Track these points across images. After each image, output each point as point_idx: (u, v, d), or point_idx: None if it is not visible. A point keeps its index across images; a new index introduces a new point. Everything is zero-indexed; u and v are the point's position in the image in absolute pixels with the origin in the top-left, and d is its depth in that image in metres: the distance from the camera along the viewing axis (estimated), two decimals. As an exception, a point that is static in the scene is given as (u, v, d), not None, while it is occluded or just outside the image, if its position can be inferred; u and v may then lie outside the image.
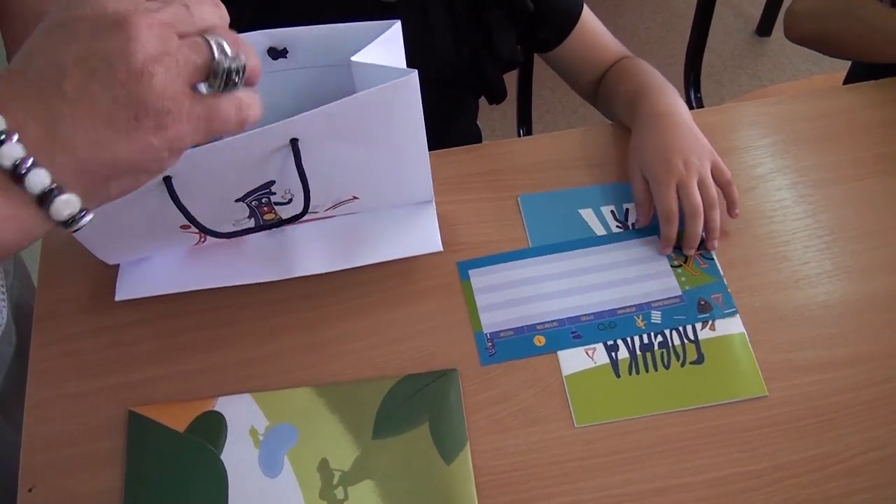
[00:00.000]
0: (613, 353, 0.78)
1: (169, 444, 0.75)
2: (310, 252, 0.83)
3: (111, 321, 0.83)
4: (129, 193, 0.43)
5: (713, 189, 0.83)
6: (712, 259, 0.85)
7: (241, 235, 0.78)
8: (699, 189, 0.83)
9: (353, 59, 0.71)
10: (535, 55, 1.31)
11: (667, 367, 0.77)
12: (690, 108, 1.45)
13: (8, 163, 0.37)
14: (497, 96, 1.06)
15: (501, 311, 0.82)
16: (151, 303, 0.83)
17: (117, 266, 0.84)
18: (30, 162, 0.38)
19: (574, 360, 0.78)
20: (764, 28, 2.24)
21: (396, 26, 0.75)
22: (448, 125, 1.13)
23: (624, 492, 0.71)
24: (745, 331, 0.79)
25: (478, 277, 0.84)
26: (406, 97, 0.72)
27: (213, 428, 0.75)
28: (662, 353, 0.78)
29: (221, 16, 0.44)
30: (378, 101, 0.70)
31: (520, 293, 0.83)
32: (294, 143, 0.71)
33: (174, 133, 0.41)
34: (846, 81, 1.28)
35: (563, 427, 0.74)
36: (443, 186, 0.90)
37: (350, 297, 0.83)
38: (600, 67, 1.04)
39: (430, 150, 0.90)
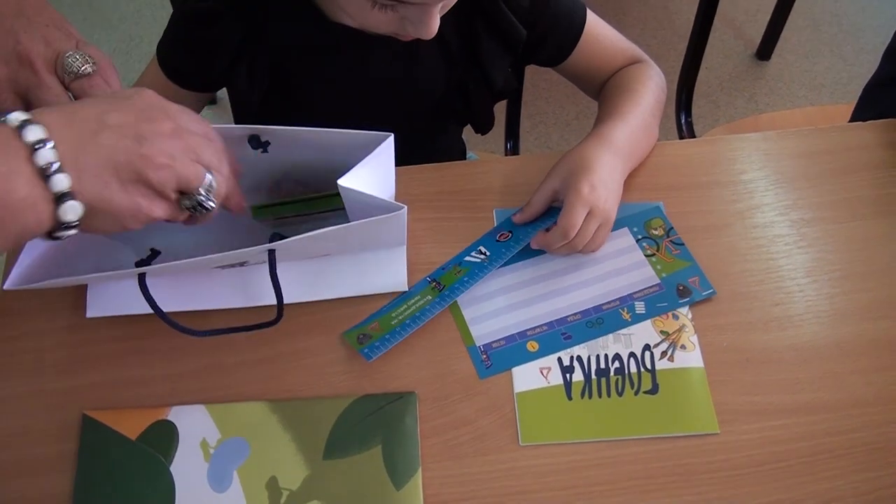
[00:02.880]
0: (568, 375, 0.78)
1: (120, 451, 0.74)
2: (290, 280, 0.81)
3: (73, 321, 0.82)
4: (106, 232, 0.60)
5: (600, 241, 0.84)
6: (683, 244, 0.85)
7: (216, 335, 0.78)
8: (595, 231, 0.82)
9: (340, 182, 0.69)
10: (526, 71, 1.30)
11: (620, 394, 0.77)
12: (680, 133, 1.46)
13: (41, 162, 0.51)
14: (484, 127, 1.04)
15: (490, 322, 0.81)
16: (113, 304, 0.82)
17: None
18: (56, 167, 0.51)
19: (527, 378, 0.78)
20: (764, 52, 2.23)
21: (389, 141, 0.73)
22: (432, 145, 1.11)
23: (574, 529, 0.70)
24: (703, 366, 0.78)
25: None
26: (394, 226, 0.74)
27: (164, 438, 0.74)
28: (618, 379, 0.78)
29: (225, 167, 0.64)
30: (365, 229, 0.72)
31: (504, 301, 0.83)
32: (271, 253, 0.72)
33: (153, 210, 0.58)
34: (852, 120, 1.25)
35: (517, 458, 0.73)
36: (416, 203, 0.89)
37: (318, 310, 0.82)
38: (607, 74, 1.01)
39: (411, 163, 0.89)
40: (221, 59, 0.90)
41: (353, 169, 0.70)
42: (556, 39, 0.98)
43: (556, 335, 0.80)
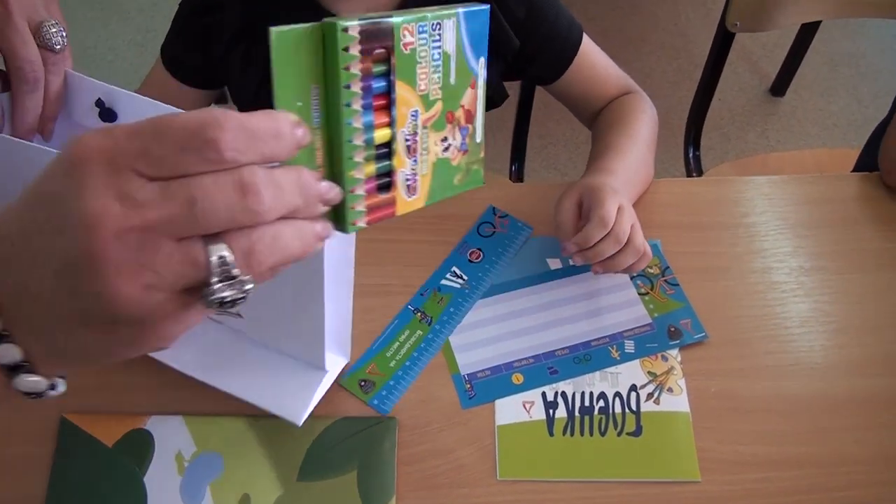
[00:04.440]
0: (551, 411, 0.77)
1: (96, 457, 0.73)
2: (188, 348, 0.74)
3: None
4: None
5: (642, 243, 0.79)
6: (678, 285, 0.85)
7: None
8: (631, 230, 0.78)
9: None
10: (536, 90, 1.29)
11: (602, 434, 0.76)
12: (687, 167, 1.45)
13: None
14: None
15: (476, 352, 0.80)
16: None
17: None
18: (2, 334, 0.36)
19: (510, 411, 0.77)
20: (778, 88, 2.22)
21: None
22: None
23: (545, 571, 0.69)
24: (689, 411, 0.77)
25: (449, 317, 0.83)
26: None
27: (140, 447, 0.73)
28: (601, 418, 0.77)
29: (243, 208, 0.33)
30: None
31: (492, 331, 0.82)
32: None
33: (157, 337, 0.36)
34: (856, 169, 1.24)
35: (493, 493, 0.72)
36: (406, 223, 0.88)
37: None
38: (601, 101, 1.01)
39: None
40: (217, 46, 0.93)
41: None
42: (549, 56, 0.99)
43: (543, 369, 0.79)
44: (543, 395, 0.78)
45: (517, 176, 1.42)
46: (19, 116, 0.64)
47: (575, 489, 0.73)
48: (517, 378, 0.78)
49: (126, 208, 0.31)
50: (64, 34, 0.65)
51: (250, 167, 0.33)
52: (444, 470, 0.73)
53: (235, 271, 0.33)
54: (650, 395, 0.78)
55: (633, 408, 0.77)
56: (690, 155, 1.43)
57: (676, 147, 2.05)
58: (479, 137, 0.51)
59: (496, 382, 0.78)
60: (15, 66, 0.63)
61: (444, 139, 0.48)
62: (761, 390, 0.79)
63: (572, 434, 0.76)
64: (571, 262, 0.80)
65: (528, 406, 0.77)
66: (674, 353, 0.81)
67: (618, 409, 0.77)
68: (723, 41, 1.33)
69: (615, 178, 0.85)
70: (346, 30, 0.39)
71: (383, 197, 0.44)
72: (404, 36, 0.43)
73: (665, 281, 0.85)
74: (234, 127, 0.33)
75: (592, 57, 1.00)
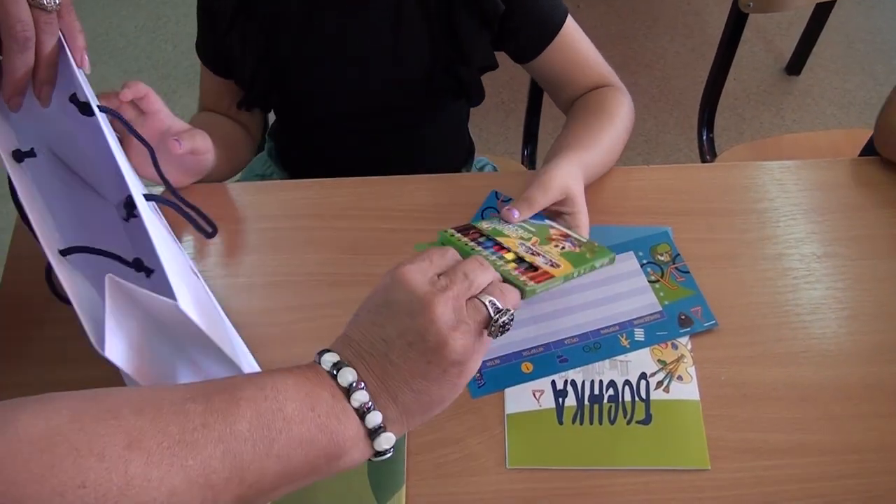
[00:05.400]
0: (561, 399, 0.77)
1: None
2: None
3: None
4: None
5: None
6: (688, 272, 0.84)
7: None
8: None
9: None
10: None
11: (612, 422, 0.76)
12: (700, 149, 1.44)
13: (357, 404, 0.52)
14: (473, 98, 1.03)
15: None
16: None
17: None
18: (370, 405, 0.52)
19: (520, 400, 0.77)
20: (794, 67, 2.19)
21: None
22: (431, 128, 1.10)
23: (555, 559, 0.69)
24: (699, 399, 0.77)
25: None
26: None
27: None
28: (611, 406, 0.77)
29: (491, 275, 0.59)
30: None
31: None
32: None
33: (469, 371, 0.55)
34: (864, 152, 1.23)
35: (503, 481, 0.72)
36: (409, 212, 0.88)
37: (315, 317, 0.82)
38: (578, 87, 1.00)
39: (414, 147, 0.88)
40: (220, 28, 0.95)
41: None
42: (529, 31, 0.98)
43: (552, 357, 0.79)
44: (553, 383, 0.78)
45: (530, 160, 1.41)
46: (8, 75, 0.65)
47: (584, 477, 0.73)
48: (526, 367, 0.79)
49: (440, 290, 0.54)
50: None
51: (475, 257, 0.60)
52: (454, 459, 0.74)
53: (500, 306, 0.56)
54: (660, 384, 0.78)
55: (643, 396, 0.77)
56: (704, 137, 1.42)
57: (691, 128, 2.03)
58: (584, 237, 0.79)
59: (505, 371, 0.78)
60: (6, 25, 0.63)
61: (556, 245, 0.74)
62: (772, 378, 0.78)
63: (582, 422, 0.76)
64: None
65: (537, 394, 0.77)
66: (684, 340, 0.80)
67: (627, 398, 0.77)
68: (736, 20, 1.31)
69: (584, 173, 0.85)
70: (447, 231, 0.71)
71: (534, 273, 0.66)
72: (480, 224, 0.75)
73: (675, 268, 0.85)
74: None
75: (575, 41, 0.99)
